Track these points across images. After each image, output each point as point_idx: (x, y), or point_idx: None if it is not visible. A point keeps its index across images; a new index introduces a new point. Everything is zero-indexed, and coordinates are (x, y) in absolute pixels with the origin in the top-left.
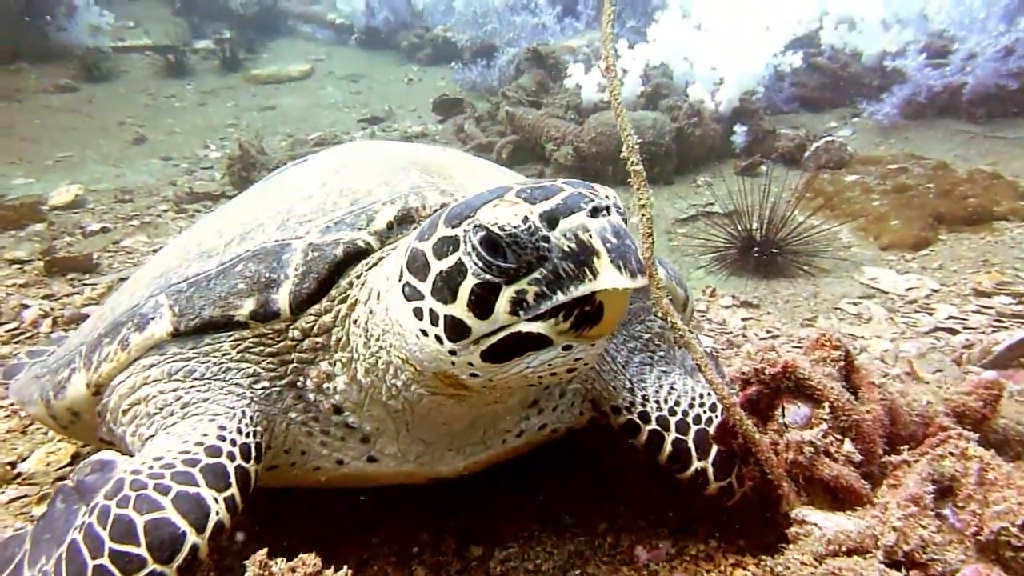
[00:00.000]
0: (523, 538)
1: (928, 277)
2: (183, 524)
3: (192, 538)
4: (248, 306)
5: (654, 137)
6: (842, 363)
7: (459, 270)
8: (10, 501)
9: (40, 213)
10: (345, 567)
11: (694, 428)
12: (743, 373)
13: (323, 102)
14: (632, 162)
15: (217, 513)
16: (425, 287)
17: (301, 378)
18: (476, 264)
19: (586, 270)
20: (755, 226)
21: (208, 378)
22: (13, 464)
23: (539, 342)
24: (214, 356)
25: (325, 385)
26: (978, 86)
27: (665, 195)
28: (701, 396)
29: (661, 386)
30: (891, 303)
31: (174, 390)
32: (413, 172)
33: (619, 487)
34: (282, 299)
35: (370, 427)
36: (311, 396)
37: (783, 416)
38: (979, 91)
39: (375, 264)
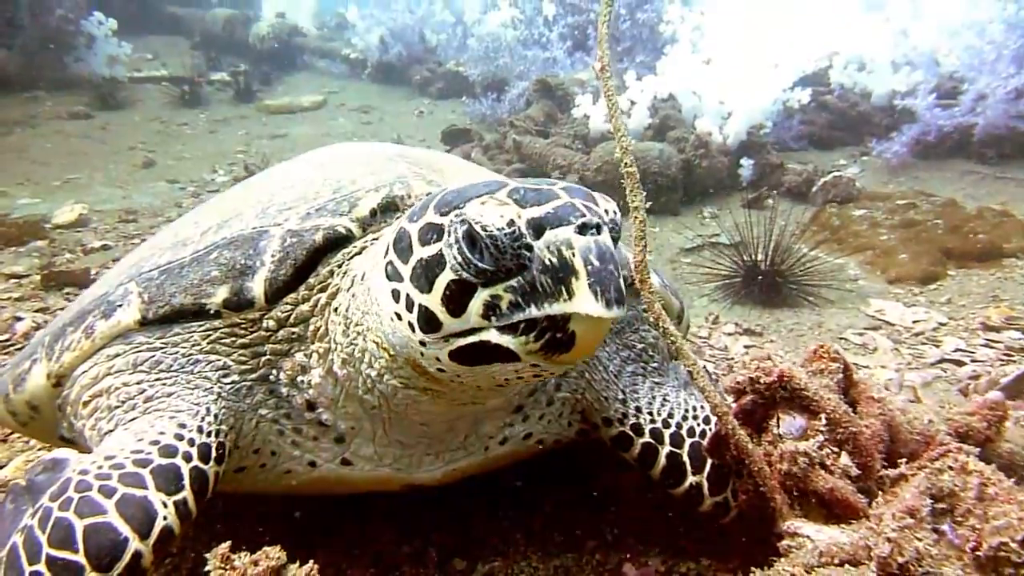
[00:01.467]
0: (507, 553)
1: (936, 311)
2: (125, 529)
3: (135, 545)
4: (221, 294)
5: (660, 168)
6: (840, 376)
7: (438, 261)
8: None
9: (42, 231)
10: (311, 561)
11: (688, 441)
12: (737, 383)
13: (333, 131)
14: (625, 164)
15: (165, 518)
16: (405, 270)
17: (274, 371)
18: (455, 259)
19: (562, 288)
20: (760, 256)
21: (175, 370)
22: None
23: (507, 356)
24: (183, 347)
25: (299, 378)
26: (988, 127)
27: (671, 225)
28: (695, 409)
29: (654, 397)
30: (897, 335)
31: (138, 382)
32: (401, 164)
33: (609, 503)
34: (257, 286)
35: (344, 425)
36: (284, 390)
37: (778, 427)
38: (990, 132)
39: (358, 253)
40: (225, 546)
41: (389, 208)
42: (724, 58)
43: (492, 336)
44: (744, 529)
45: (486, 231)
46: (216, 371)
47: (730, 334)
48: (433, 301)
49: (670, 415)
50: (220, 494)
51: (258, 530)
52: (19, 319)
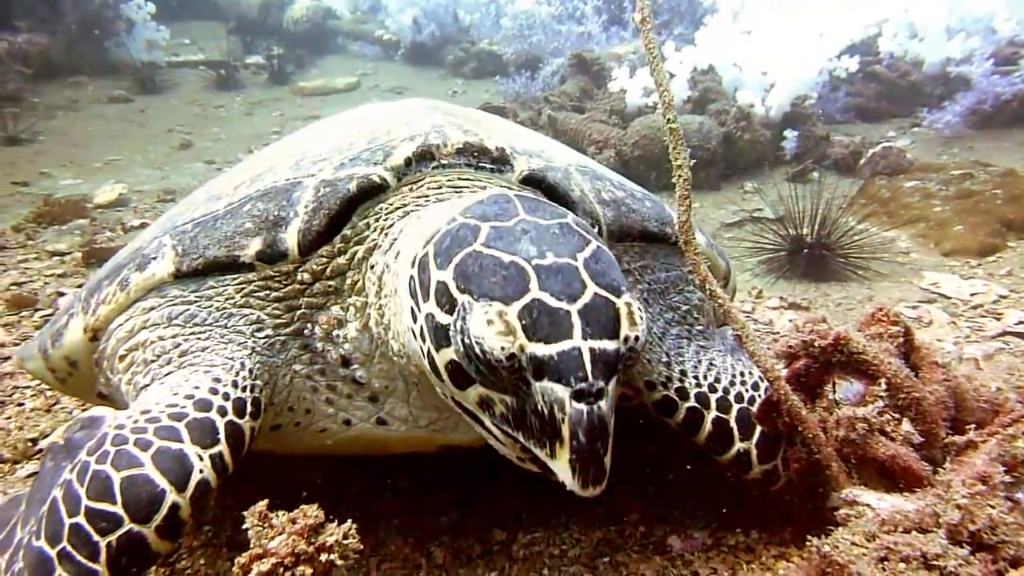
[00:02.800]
0: (549, 523)
1: (995, 283)
2: (162, 482)
3: (172, 497)
4: (255, 246)
5: (700, 141)
6: (901, 341)
7: (446, 335)
8: (28, 476)
9: (84, 210)
10: (349, 520)
11: (736, 407)
12: (790, 347)
13: None
14: (668, 120)
15: (201, 471)
16: (421, 308)
17: (309, 325)
18: (458, 351)
19: (547, 443)
20: (806, 230)
21: (209, 324)
22: (35, 441)
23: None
24: (216, 300)
25: (335, 332)
26: None
27: (711, 200)
28: (743, 374)
29: (700, 361)
30: (954, 308)
31: (173, 336)
32: (437, 114)
33: (653, 476)
34: (290, 238)
35: (379, 384)
36: (318, 345)
37: (834, 392)
38: None
39: (397, 209)
40: (263, 504)
41: (424, 157)
42: (766, 28)
43: (487, 422)
44: (795, 500)
45: (485, 355)
46: (250, 325)
47: (775, 308)
48: (439, 361)
49: (716, 379)
50: (256, 459)
51: (288, 498)
52: (62, 295)
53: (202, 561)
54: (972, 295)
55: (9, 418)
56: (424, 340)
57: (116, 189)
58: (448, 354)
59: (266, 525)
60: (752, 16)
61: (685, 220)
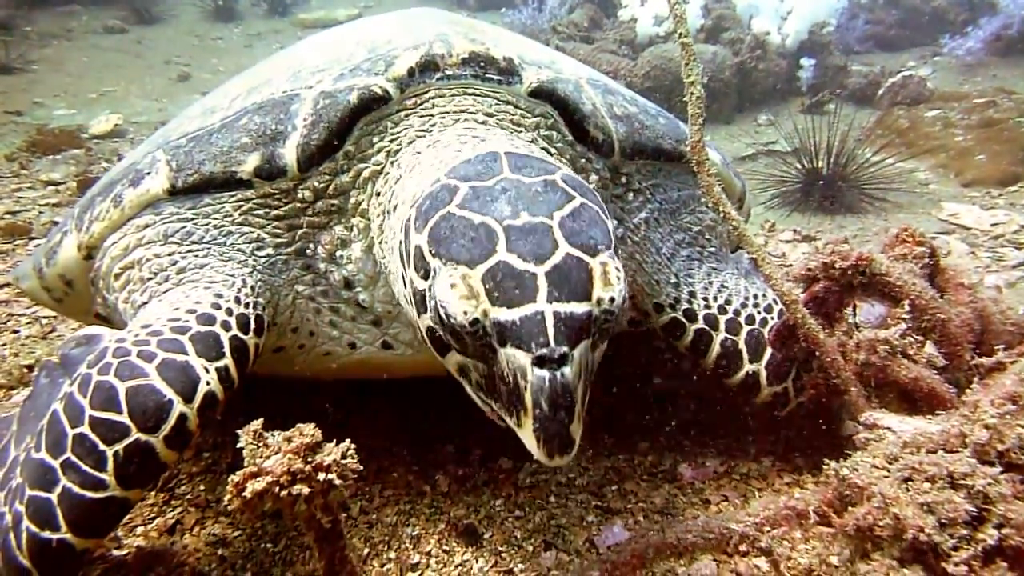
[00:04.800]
0: None
1: (1017, 213)
2: (169, 392)
3: (179, 407)
4: (252, 161)
5: (713, 72)
6: (927, 261)
7: (423, 300)
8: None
9: (79, 140)
10: (348, 440)
11: (746, 328)
12: (809, 270)
13: None
14: (680, 34)
15: (208, 383)
16: (408, 271)
17: (311, 245)
18: (434, 314)
19: (514, 411)
20: (821, 163)
21: (207, 242)
22: (30, 367)
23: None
24: (214, 219)
25: (338, 253)
26: None
27: (724, 133)
28: (755, 296)
29: (710, 283)
30: (973, 238)
31: (169, 254)
32: (442, 24)
33: (663, 405)
34: (289, 153)
35: (381, 308)
36: (321, 266)
37: (854, 316)
38: None
39: (403, 130)
40: (257, 423)
41: (428, 67)
42: None
43: (468, 388)
44: (808, 427)
45: (450, 321)
46: (250, 243)
47: (788, 241)
48: (422, 328)
49: (727, 301)
50: (259, 385)
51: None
52: (56, 224)
53: (202, 487)
54: (993, 225)
55: (4, 345)
56: (411, 305)
57: (112, 120)
58: (426, 320)
59: (261, 444)
60: None
61: (698, 140)
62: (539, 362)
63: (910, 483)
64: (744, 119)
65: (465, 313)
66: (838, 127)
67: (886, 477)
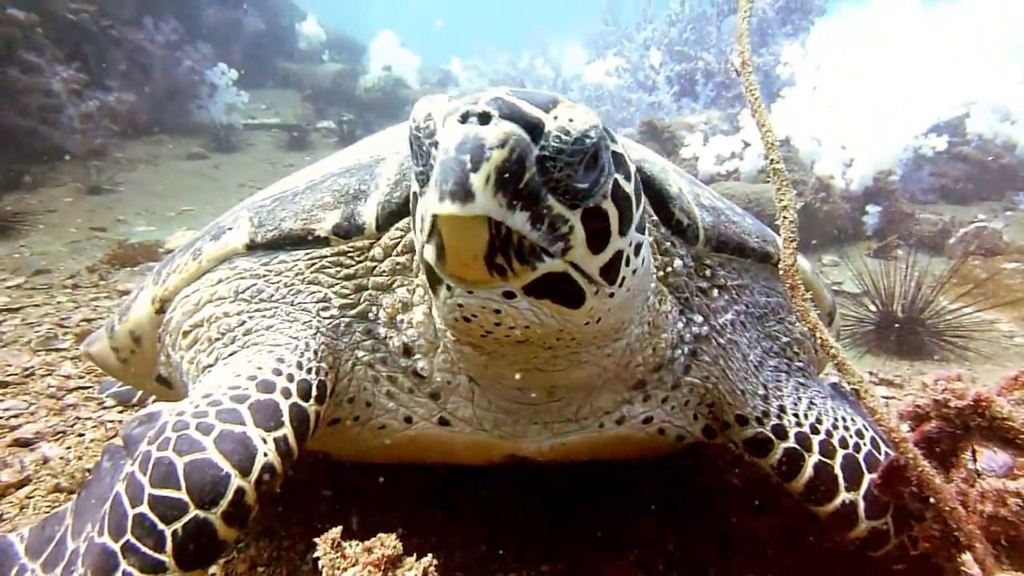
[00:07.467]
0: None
1: None
2: (226, 465)
3: (236, 481)
4: (332, 219)
5: (775, 211)
6: None
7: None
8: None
9: (155, 254)
10: (430, 555)
11: (841, 452)
12: (917, 407)
13: None
14: (772, 160)
15: (265, 455)
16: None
17: (374, 309)
18: (413, 162)
19: (428, 184)
20: (896, 307)
21: (276, 301)
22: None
23: (432, 272)
24: (286, 276)
25: (399, 317)
26: None
27: None
28: (845, 419)
29: (800, 398)
30: None
31: (238, 313)
32: None
33: (741, 546)
34: (368, 211)
35: (440, 379)
36: (382, 331)
37: (974, 462)
38: None
39: None
40: (336, 531)
41: None
42: (847, 101)
43: (426, 251)
44: None
45: (412, 125)
46: (317, 303)
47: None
48: (412, 216)
49: (818, 420)
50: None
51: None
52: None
53: None
54: None
55: (69, 448)
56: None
57: (188, 235)
58: (410, 194)
59: (339, 554)
60: (832, 89)
61: (791, 263)
62: (463, 119)
63: None
64: (808, 259)
65: (422, 110)
66: (911, 272)
67: None
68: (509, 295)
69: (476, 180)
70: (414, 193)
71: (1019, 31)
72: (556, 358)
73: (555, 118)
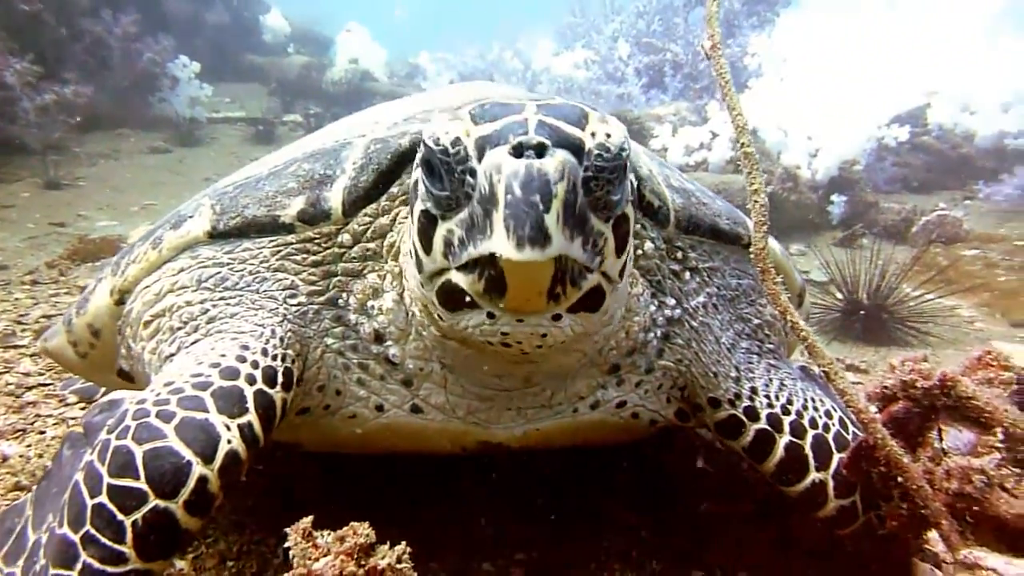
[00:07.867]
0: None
1: None
2: (187, 453)
3: (199, 469)
4: (296, 205)
5: (743, 201)
6: (1014, 388)
7: (415, 189)
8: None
9: (117, 249)
10: (403, 543)
11: (811, 432)
12: (885, 388)
13: None
14: (742, 144)
15: (229, 442)
16: (415, 206)
17: (344, 295)
18: (421, 186)
19: (488, 224)
20: (862, 294)
21: (240, 289)
22: None
23: (467, 299)
24: (250, 264)
25: (370, 303)
26: None
27: None
28: (815, 400)
29: (771, 380)
30: None
31: (201, 301)
32: (511, 92)
33: (716, 530)
34: (335, 196)
35: (413, 365)
36: (352, 317)
37: (940, 441)
38: None
39: None
40: (307, 521)
41: None
42: (812, 92)
43: (453, 275)
44: (886, 565)
45: (436, 147)
46: (283, 290)
47: None
48: (415, 234)
49: (788, 401)
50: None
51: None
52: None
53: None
54: None
55: (29, 446)
56: (411, 225)
57: None
58: (416, 212)
59: (310, 544)
60: (798, 81)
61: (762, 247)
62: (516, 151)
63: None
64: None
65: (447, 134)
66: (875, 260)
67: None
68: (557, 317)
69: (549, 221)
70: (424, 211)
71: (980, 22)
72: (549, 350)
73: (592, 135)
